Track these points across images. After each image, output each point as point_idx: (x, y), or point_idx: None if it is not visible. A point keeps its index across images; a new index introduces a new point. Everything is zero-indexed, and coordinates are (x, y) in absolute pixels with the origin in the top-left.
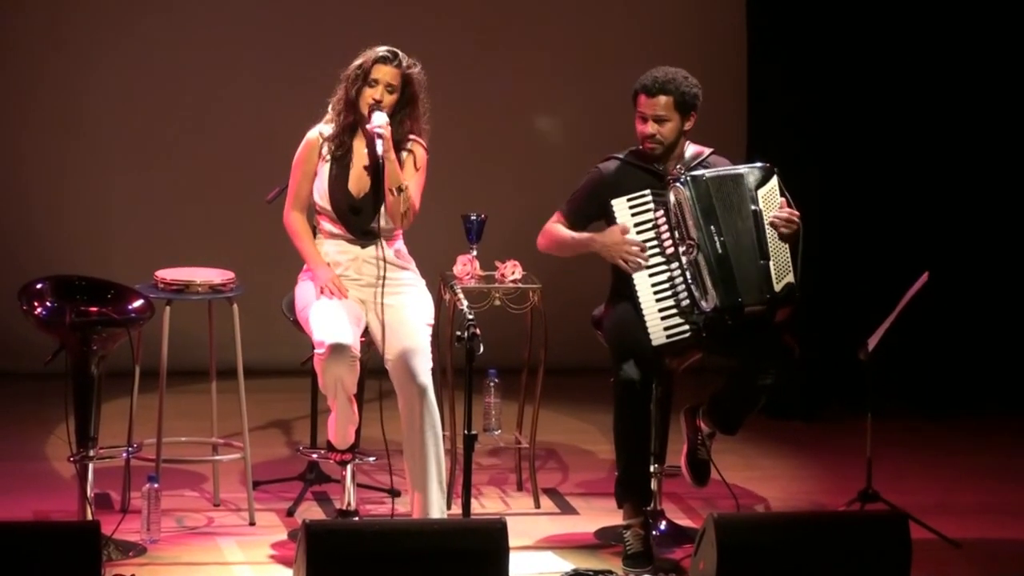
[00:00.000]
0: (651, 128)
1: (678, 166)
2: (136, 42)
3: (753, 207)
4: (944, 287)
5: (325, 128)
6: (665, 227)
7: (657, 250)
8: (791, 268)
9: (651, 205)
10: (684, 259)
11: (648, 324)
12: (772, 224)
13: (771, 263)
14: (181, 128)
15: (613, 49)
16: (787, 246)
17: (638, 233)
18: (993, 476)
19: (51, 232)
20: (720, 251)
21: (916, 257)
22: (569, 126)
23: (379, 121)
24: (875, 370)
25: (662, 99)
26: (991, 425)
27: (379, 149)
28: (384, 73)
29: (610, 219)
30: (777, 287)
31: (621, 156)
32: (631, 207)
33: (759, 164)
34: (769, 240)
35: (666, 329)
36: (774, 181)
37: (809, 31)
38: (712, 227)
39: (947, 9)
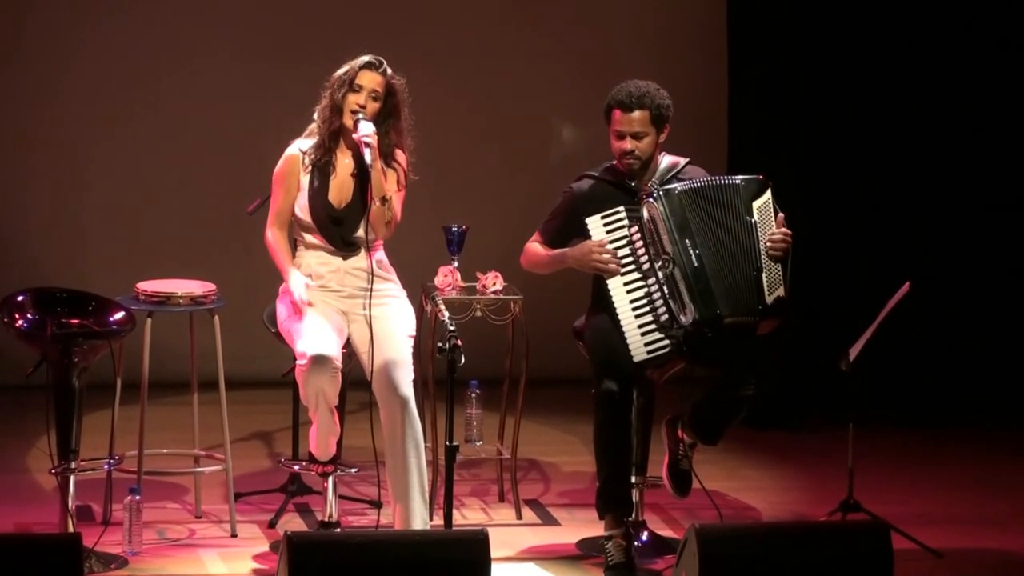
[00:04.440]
0: (629, 144)
1: (652, 181)
2: (117, 54)
3: (748, 218)
4: (926, 297)
5: (304, 143)
6: (640, 243)
7: (633, 266)
8: (782, 282)
9: (625, 221)
10: (660, 273)
11: (628, 340)
12: (768, 247)
13: (764, 275)
14: (162, 140)
15: (596, 59)
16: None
17: (615, 251)
18: (975, 486)
19: (32, 245)
20: (696, 264)
21: (898, 267)
22: (550, 136)
23: (367, 130)
24: (857, 380)
25: (639, 114)
26: (973, 435)
27: (367, 158)
28: (369, 79)
29: (586, 238)
30: (769, 299)
31: (595, 174)
32: (605, 224)
33: (753, 176)
34: (762, 253)
35: (646, 345)
36: (768, 194)
37: (791, 37)
38: (687, 240)
39: (930, 15)
